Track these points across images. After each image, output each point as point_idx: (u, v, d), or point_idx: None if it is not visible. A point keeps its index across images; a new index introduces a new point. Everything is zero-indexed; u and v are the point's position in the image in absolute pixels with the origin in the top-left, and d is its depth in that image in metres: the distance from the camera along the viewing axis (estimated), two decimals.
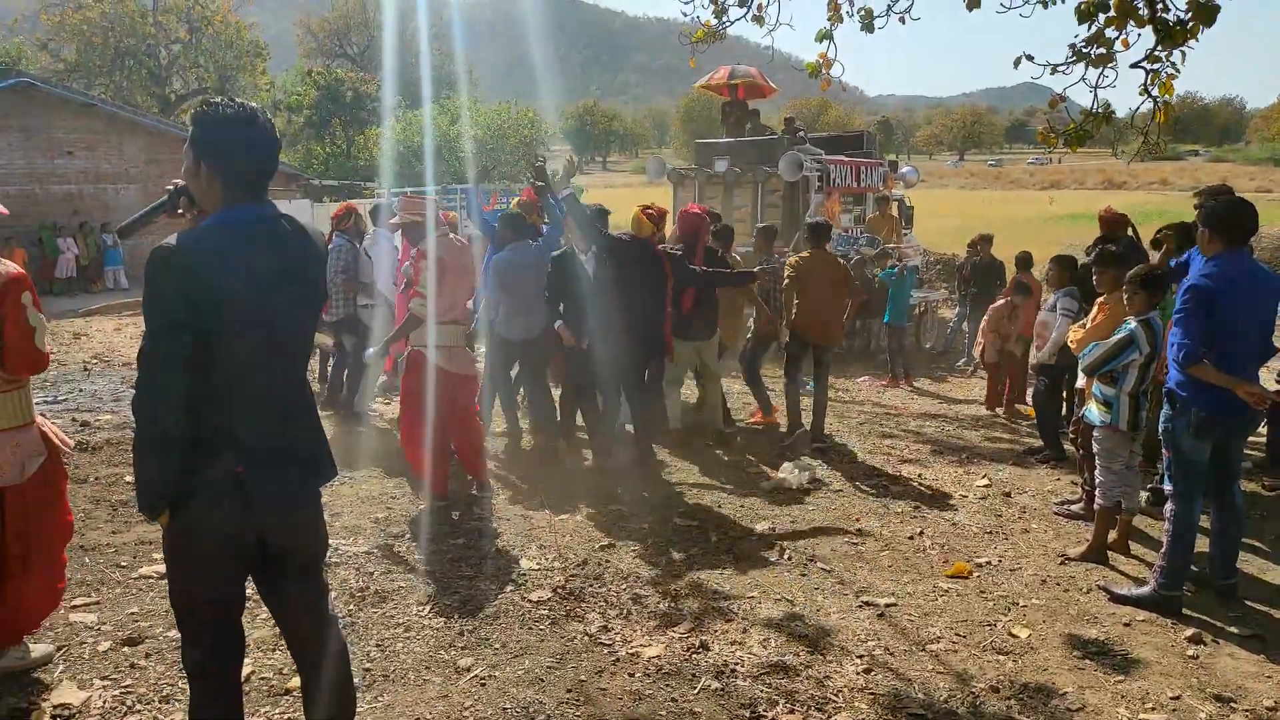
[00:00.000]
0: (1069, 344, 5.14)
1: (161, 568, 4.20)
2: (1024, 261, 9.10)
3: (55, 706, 3.05)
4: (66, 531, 3.44)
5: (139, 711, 3.06)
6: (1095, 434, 4.56)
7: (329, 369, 7.89)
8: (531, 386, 6.39)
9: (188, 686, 2.47)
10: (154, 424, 2.15)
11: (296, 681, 3.17)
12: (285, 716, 3.04)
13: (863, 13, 6.65)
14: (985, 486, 5.86)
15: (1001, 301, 8.33)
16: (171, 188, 2.44)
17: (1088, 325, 5.02)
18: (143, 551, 4.47)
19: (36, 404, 8.18)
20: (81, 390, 8.78)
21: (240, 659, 2.49)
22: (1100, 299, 5.02)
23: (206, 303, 2.12)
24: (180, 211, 2.42)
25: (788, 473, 5.81)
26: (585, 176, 59.60)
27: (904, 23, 6.62)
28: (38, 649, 3.36)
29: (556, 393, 6.65)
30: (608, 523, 5.04)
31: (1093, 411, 4.56)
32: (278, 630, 3.53)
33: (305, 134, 35.70)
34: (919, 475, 6.11)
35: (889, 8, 6.51)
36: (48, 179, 18.99)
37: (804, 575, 4.38)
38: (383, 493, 5.50)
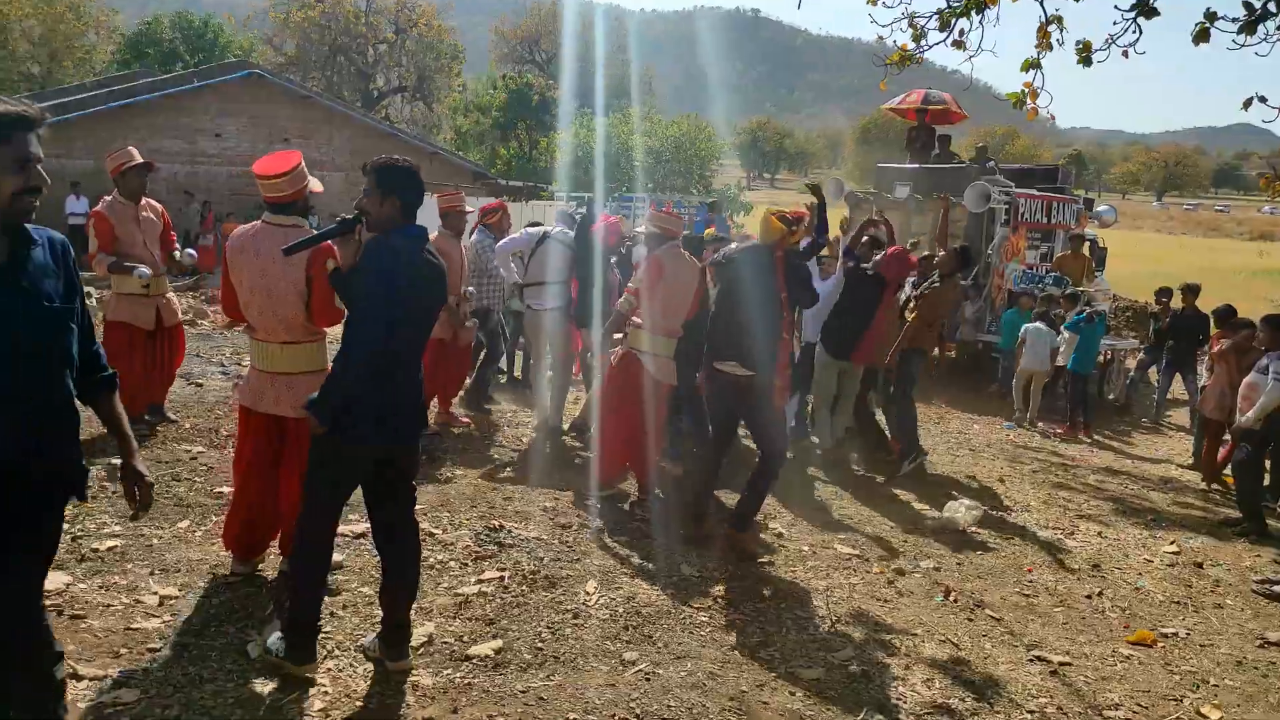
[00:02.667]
0: None
1: None
2: (1226, 316, 8.37)
3: None
4: None
5: None
6: None
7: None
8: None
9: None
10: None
11: (477, 649, 3.39)
12: (465, 680, 3.24)
13: (1081, 46, 6.36)
14: (1174, 554, 5.47)
15: (1229, 342, 7.26)
16: (344, 216, 3.14)
17: None
18: None
19: (245, 364, 8.88)
20: None
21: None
22: None
23: (390, 287, 2.95)
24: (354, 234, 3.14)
25: (955, 512, 5.63)
26: (753, 193, 59.52)
27: (1126, 56, 6.28)
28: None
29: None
30: (769, 539, 5.05)
31: None
32: (457, 600, 3.78)
33: (492, 135, 37.53)
34: (1099, 533, 5.77)
35: (1110, 41, 6.19)
36: None
37: (970, 620, 4.24)
38: (552, 482, 5.72)
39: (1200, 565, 5.30)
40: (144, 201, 5.79)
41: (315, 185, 3.84)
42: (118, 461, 4.94)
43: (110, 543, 4.09)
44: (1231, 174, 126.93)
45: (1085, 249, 12.23)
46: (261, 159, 3.70)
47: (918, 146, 13.97)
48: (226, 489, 4.98)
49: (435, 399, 7.01)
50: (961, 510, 5.62)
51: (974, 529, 5.54)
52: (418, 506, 4.90)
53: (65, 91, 23.81)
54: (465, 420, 7.10)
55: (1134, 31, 6.09)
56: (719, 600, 4.14)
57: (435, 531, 4.65)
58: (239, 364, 9.03)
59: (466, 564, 4.31)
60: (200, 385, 7.61)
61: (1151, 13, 6.00)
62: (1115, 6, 6.02)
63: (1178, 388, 10.48)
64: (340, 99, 30.27)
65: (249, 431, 3.82)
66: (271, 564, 4.04)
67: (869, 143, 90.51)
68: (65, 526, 4.21)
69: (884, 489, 6.35)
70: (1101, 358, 11.08)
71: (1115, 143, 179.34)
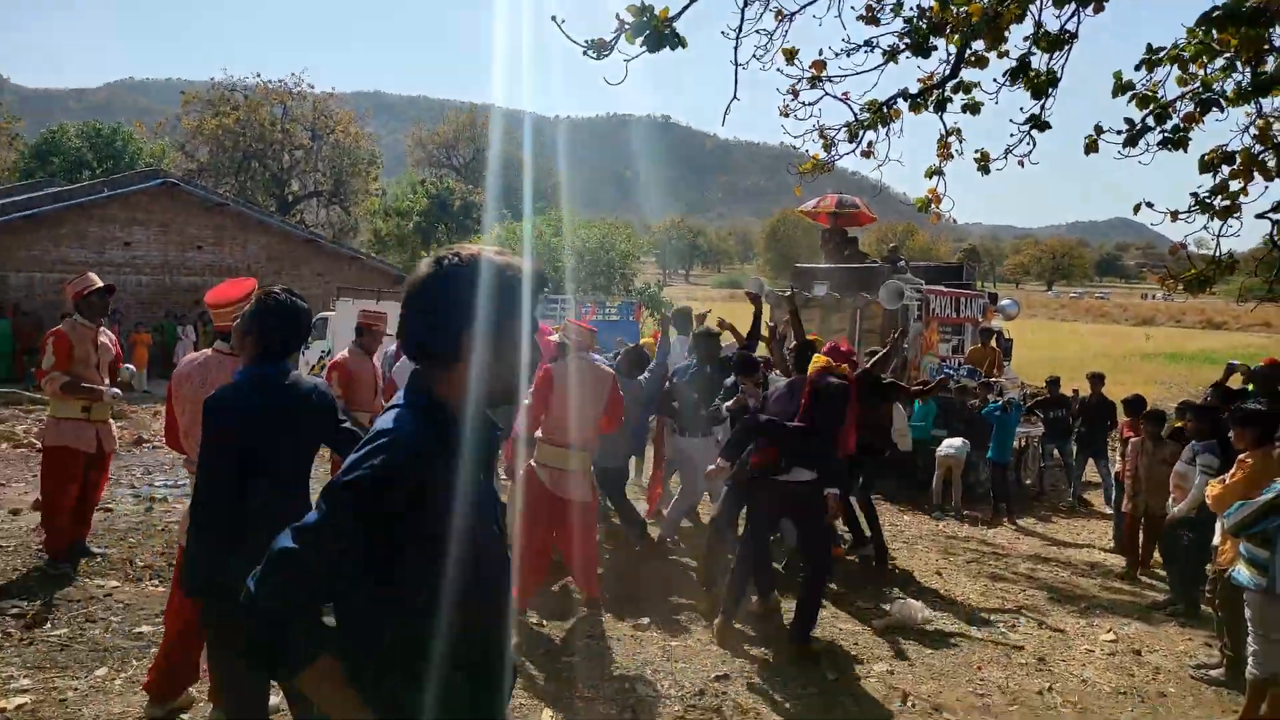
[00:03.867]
0: (1207, 500, 4.96)
1: None
2: (1136, 406, 8.81)
3: None
4: None
5: None
6: (1247, 598, 4.34)
7: None
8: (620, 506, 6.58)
9: None
10: None
11: None
12: None
13: (979, 156, 6.83)
14: (1112, 641, 5.58)
15: (1139, 439, 7.39)
16: None
17: (1226, 482, 4.84)
18: None
19: (157, 485, 8.47)
20: None
21: None
22: (1241, 455, 4.85)
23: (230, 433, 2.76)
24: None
25: (901, 611, 5.65)
26: (670, 289, 60.75)
27: (1022, 166, 6.77)
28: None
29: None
30: (719, 650, 4.96)
31: (1243, 573, 4.35)
32: None
33: (413, 238, 37.59)
34: (1040, 623, 5.86)
35: (1008, 151, 6.67)
36: (178, 270, 20.35)
37: None
38: None
39: (1139, 653, 5.41)
40: (101, 327, 5.70)
41: None
42: (24, 604, 4.63)
43: (19, 699, 3.75)
44: (1113, 264, 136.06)
45: (994, 341, 12.84)
46: (215, 288, 3.65)
47: (831, 247, 14.58)
48: (146, 628, 4.69)
49: None
50: (908, 609, 5.64)
51: (921, 627, 5.56)
52: None
53: None
54: None
55: (1028, 143, 6.60)
56: None
57: None
58: (150, 484, 8.59)
59: None
60: (110, 510, 7.19)
61: (1044, 126, 6.48)
62: (1010, 120, 6.49)
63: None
64: (254, 204, 29.97)
65: None
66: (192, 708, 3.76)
67: (778, 241, 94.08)
68: None
69: (829, 589, 6.33)
70: (1017, 445, 11.51)
71: (1006, 237, 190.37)
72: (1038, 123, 6.46)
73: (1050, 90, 6.28)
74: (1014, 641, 5.47)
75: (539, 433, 5.37)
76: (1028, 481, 11.72)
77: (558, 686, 4.31)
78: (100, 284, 5.69)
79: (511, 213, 32.38)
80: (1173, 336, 46.93)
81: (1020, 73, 6.13)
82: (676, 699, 4.27)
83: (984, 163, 6.75)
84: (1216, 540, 4.98)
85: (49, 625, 4.62)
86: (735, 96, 6.35)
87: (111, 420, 5.90)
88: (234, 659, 2.88)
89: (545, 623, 5.19)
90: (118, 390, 5.62)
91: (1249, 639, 4.32)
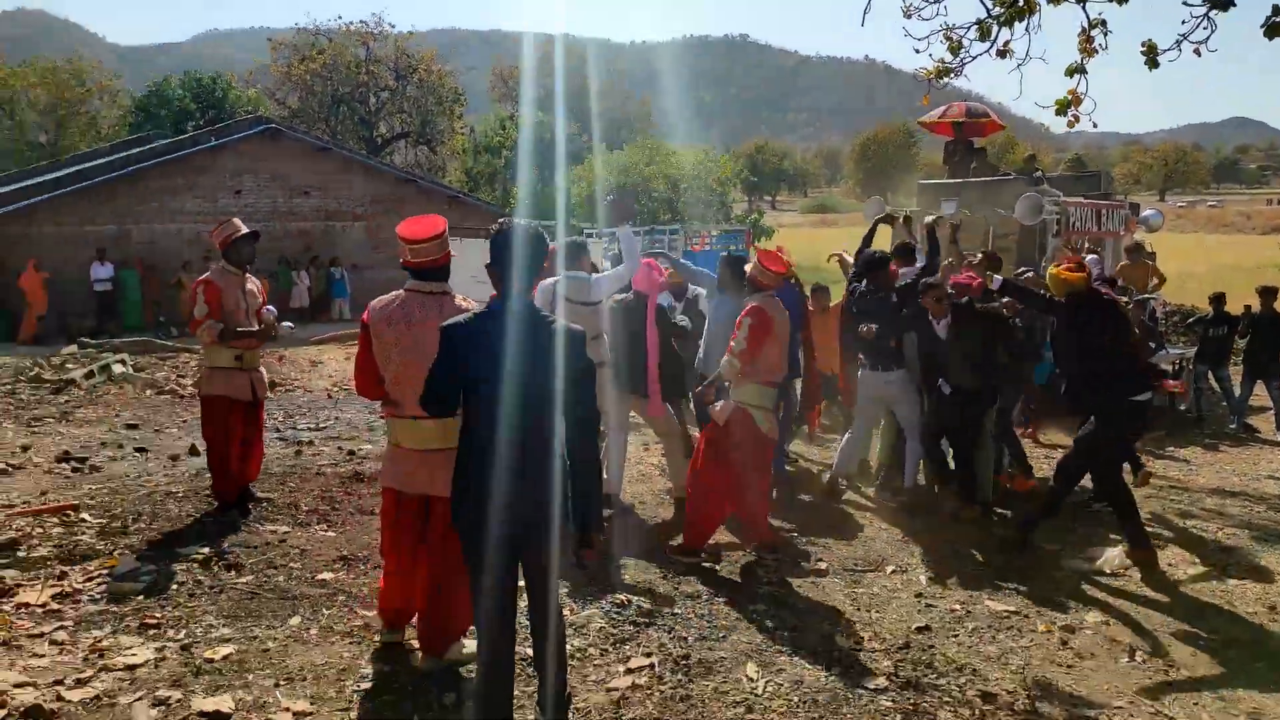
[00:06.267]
0: None
1: None
2: None
3: None
4: None
5: None
6: None
7: None
8: None
9: None
10: None
11: None
12: None
13: (1145, 47, 6.10)
14: None
15: None
16: None
17: None
18: None
19: (301, 428, 8.59)
20: (337, 419, 9.25)
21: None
22: None
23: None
24: None
25: (1104, 556, 5.23)
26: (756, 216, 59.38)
27: (1199, 54, 6.02)
28: (468, 645, 3.64)
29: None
30: (912, 598, 4.66)
31: None
32: (612, 696, 3.41)
33: (505, 174, 37.52)
34: (1254, 566, 5.34)
35: (1180, 39, 5.91)
36: (286, 217, 20.65)
37: (1169, 684, 3.84)
38: (646, 547, 5.34)
39: None
40: (247, 273, 5.70)
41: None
42: (206, 551, 4.63)
43: (224, 650, 3.74)
44: (1231, 169, 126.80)
45: (1146, 255, 11.90)
46: (406, 222, 3.45)
47: (956, 160, 13.67)
48: (328, 575, 4.67)
49: None
50: (1114, 554, 5.22)
51: (1121, 571, 5.14)
52: None
53: (83, 157, 23.77)
54: None
55: (1206, 28, 5.83)
56: (893, 680, 3.75)
57: (564, 613, 4.27)
58: (294, 428, 8.71)
59: (606, 649, 3.94)
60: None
61: (1228, 5, 5.71)
62: (1184, 3, 5.73)
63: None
64: (346, 148, 30.20)
65: (400, 515, 3.60)
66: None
67: (868, 159, 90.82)
68: (171, 633, 3.88)
69: (992, 529, 5.93)
70: (1172, 366, 10.74)
71: (1111, 144, 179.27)
72: (1220, 2, 5.71)
73: None
74: (1232, 588, 5.00)
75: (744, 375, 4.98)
76: (1182, 407, 10.91)
77: (753, 638, 4.09)
78: (245, 230, 5.68)
79: (605, 142, 31.87)
80: None
81: None
82: (882, 653, 4.01)
83: (1151, 55, 6.04)
84: None
85: (233, 573, 4.63)
86: None
87: (262, 368, 5.90)
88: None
89: (719, 566, 4.98)
90: (290, 324, 5.73)
91: None
